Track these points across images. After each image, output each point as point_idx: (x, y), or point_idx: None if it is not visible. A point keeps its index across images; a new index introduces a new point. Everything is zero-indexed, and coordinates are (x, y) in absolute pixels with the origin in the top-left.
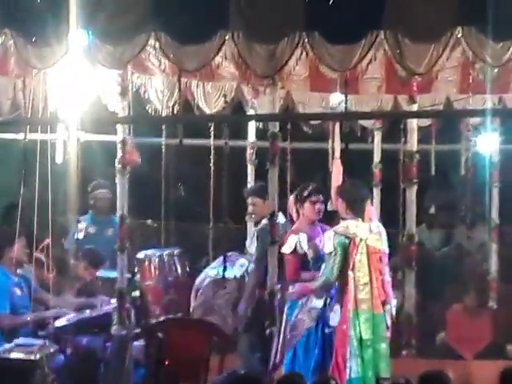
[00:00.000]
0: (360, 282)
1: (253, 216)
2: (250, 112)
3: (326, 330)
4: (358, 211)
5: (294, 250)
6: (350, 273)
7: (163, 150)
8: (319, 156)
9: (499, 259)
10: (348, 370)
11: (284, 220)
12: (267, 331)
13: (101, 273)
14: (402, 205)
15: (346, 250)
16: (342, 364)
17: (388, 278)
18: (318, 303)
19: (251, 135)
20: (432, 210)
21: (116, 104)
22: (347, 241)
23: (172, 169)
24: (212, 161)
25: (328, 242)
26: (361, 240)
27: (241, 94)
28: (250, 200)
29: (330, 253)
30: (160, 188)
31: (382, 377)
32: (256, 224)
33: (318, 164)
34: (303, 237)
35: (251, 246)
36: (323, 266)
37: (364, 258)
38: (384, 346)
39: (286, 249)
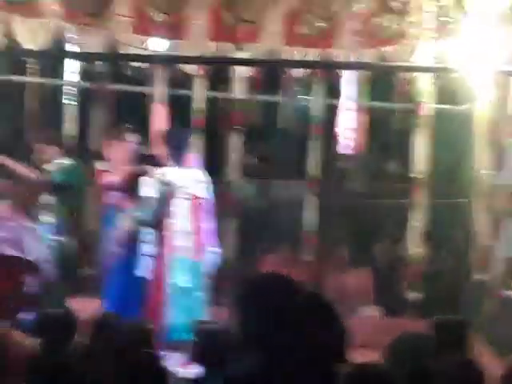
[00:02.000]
0: (179, 229)
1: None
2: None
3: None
4: (177, 158)
5: None
6: (169, 220)
7: None
8: (141, 99)
9: (317, 212)
10: (164, 317)
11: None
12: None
13: None
14: (224, 153)
15: (164, 198)
16: (156, 310)
17: (210, 225)
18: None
19: (73, 75)
20: (253, 161)
21: None
22: (164, 188)
23: None
24: (29, 98)
25: (145, 186)
26: (180, 187)
27: (63, 33)
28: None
29: (148, 198)
30: None
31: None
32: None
33: (140, 107)
34: None
35: None
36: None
37: (184, 205)
38: (201, 294)
39: None
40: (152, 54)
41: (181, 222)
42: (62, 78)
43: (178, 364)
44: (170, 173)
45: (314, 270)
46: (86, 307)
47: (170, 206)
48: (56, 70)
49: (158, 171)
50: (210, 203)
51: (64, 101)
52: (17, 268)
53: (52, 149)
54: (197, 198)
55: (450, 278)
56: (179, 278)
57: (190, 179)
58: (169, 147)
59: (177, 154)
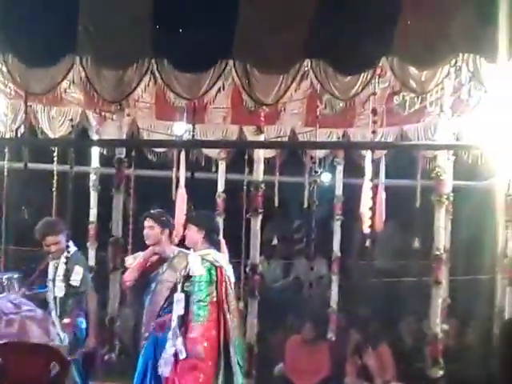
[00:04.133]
0: (231, 310)
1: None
2: (95, 138)
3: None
4: (215, 242)
5: None
6: (226, 303)
7: (5, 173)
8: (163, 184)
9: (339, 291)
10: None
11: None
12: (106, 357)
13: None
14: (245, 235)
15: (213, 279)
16: None
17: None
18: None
19: (95, 161)
20: (274, 242)
21: None
22: (214, 270)
23: (14, 192)
24: (55, 185)
25: (196, 265)
26: (225, 270)
27: (86, 120)
28: (48, 240)
29: (201, 276)
30: (0, 211)
31: None
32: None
33: (162, 192)
34: None
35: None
36: (194, 290)
37: (229, 288)
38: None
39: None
40: (174, 139)
41: (232, 302)
42: (86, 165)
43: None
44: (214, 255)
45: (338, 350)
46: None
47: (222, 288)
48: (79, 157)
49: (203, 251)
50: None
51: (88, 187)
52: (44, 355)
53: (61, 238)
54: (230, 280)
55: (475, 354)
56: (239, 358)
57: (226, 263)
58: (207, 230)
59: (213, 237)
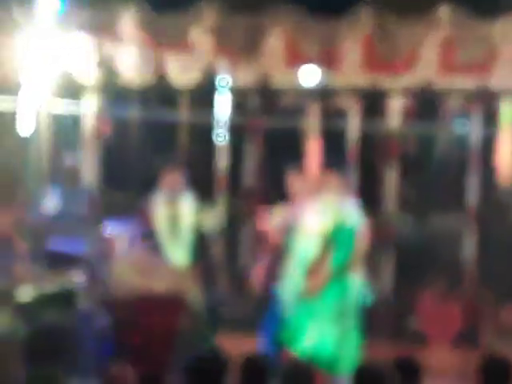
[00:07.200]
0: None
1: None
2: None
3: None
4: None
5: None
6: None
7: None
8: (294, 133)
9: (476, 244)
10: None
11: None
12: None
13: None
14: (380, 185)
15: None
16: None
17: None
18: None
19: (226, 109)
20: (411, 193)
21: (88, 74)
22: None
23: (143, 140)
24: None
25: (353, 215)
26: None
27: (216, 68)
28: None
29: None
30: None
31: None
32: None
33: (294, 141)
34: None
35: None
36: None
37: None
38: None
39: None
40: (305, 88)
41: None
42: (215, 112)
43: None
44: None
45: (473, 305)
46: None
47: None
48: (209, 106)
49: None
50: None
51: (216, 135)
52: (177, 308)
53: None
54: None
55: None
56: None
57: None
58: (337, 173)
59: (344, 178)
